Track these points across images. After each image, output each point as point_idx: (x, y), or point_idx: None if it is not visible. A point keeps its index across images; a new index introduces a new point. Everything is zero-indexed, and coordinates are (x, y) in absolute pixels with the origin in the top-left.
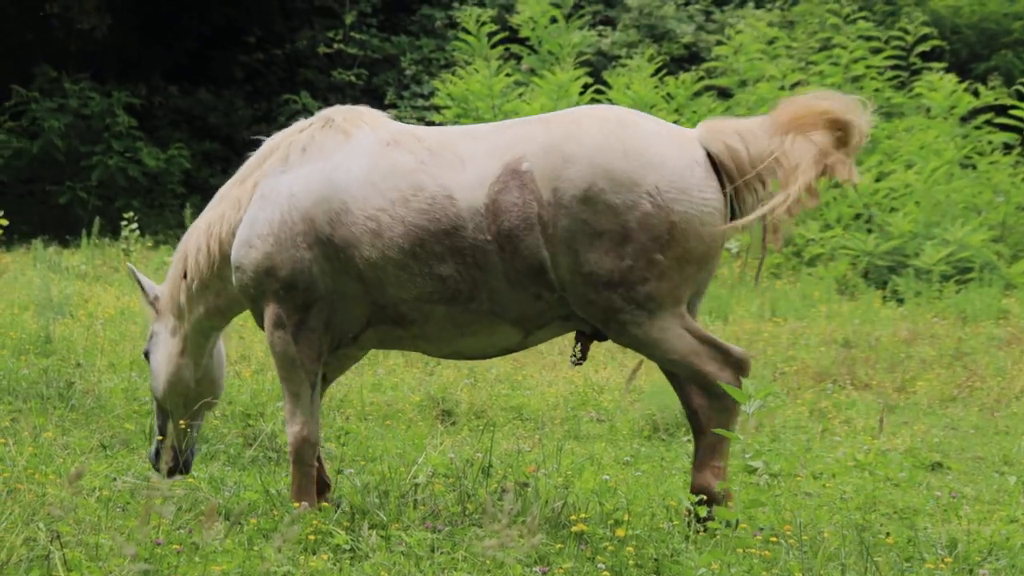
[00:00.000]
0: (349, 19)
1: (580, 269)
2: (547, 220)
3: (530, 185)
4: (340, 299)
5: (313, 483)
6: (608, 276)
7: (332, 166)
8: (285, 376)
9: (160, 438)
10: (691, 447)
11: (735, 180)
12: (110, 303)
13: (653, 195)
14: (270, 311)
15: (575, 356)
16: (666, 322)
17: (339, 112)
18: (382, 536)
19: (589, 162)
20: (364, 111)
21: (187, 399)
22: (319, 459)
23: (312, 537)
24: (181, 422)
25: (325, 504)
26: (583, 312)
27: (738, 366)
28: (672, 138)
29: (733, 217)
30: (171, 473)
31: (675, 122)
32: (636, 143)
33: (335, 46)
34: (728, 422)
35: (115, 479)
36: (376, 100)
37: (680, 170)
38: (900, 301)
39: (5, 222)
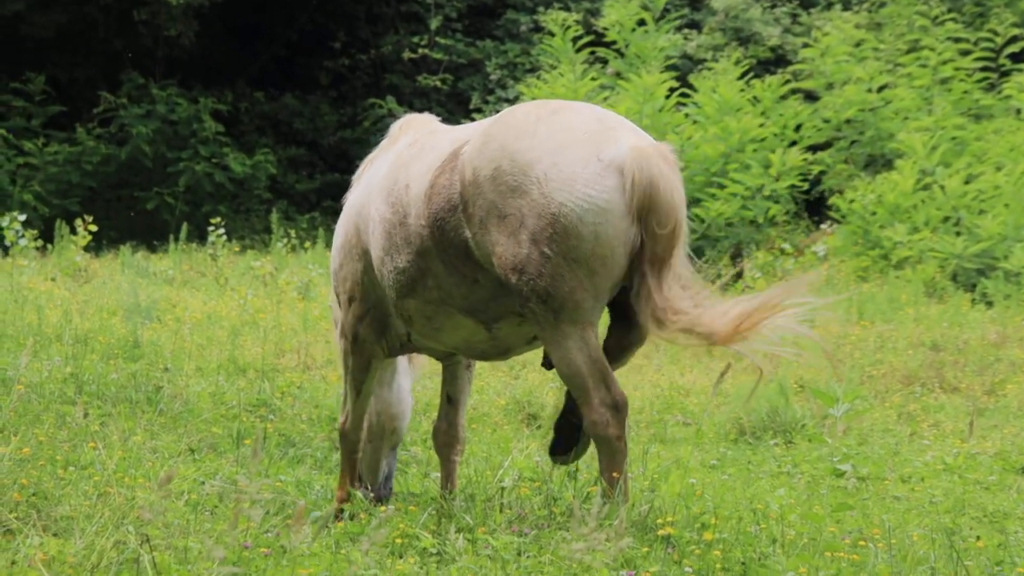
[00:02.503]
0: (434, 24)
1: (493, 250)
2: (468, 199)
3: (459, 167)
4: (383, 305)
5: (354, 468)
6: (512, 261)
7: (372, 173)
8: (344, 377)
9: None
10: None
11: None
12: (197, 308)
13: (541, 182)
14: (342, 320)
15: (545, 359)
16: (567, 331)
17: (399, 122)
18: (468, 540)
19: (500, 143)
20: (416, 117)
21: (371, 432)
22: (451, 462)
23: (399, 540)
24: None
25: (413, 508)
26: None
27: (615, 407)
28: (587, 132)
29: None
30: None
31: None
32: (545, 129)
33: (420, 51)
34: (609, 460)
35: (203, 483)
36: (461, 104)
37: (572, 162)
38: (989, 304)
39: (94, 228)
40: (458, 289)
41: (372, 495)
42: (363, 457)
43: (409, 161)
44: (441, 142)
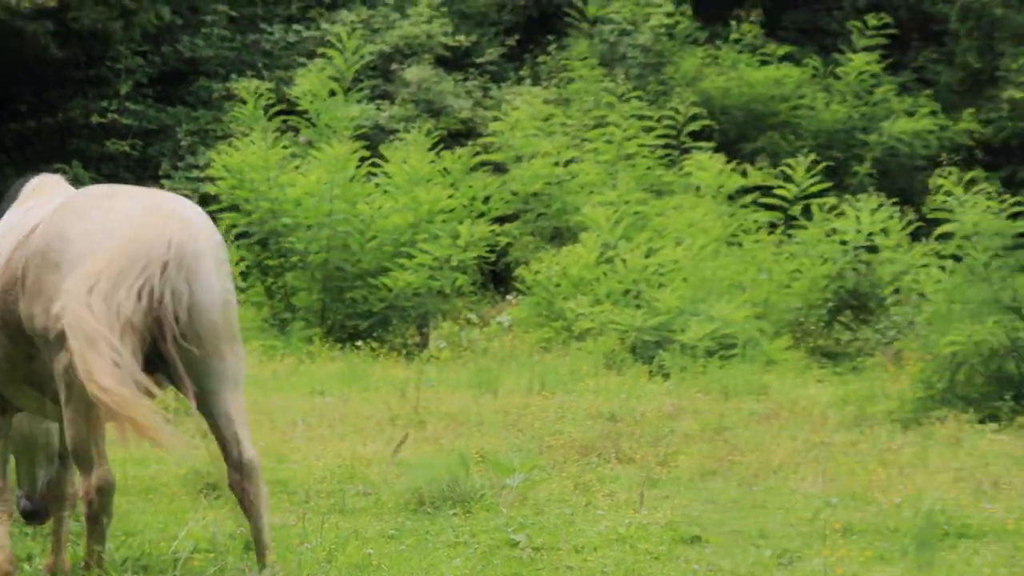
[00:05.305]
0: (124, 89)
1: (33, 323)
2: (25, 273)
3: (30, 243)
4: None
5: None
6: (39, 332)
7: None
8: None
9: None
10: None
11: None
12: None
13: (74, 262)
14: None
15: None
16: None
17: (32, 183)
18: None
19: (57, 222)
20: (47, 181)
21: (25, 442)
22: (60, 519)
23: None
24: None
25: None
26: None
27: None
28: (131, 217)
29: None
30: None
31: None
32: (96, 213)
33: (109, 116)
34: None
35: None
36: (150, 170)
37: (63, 243)
38: (666, 375)
39: None
40: (19, 363)
41: (30, 505)
42: (19, 467)
43: (9, 232)
44: (32, 216)
